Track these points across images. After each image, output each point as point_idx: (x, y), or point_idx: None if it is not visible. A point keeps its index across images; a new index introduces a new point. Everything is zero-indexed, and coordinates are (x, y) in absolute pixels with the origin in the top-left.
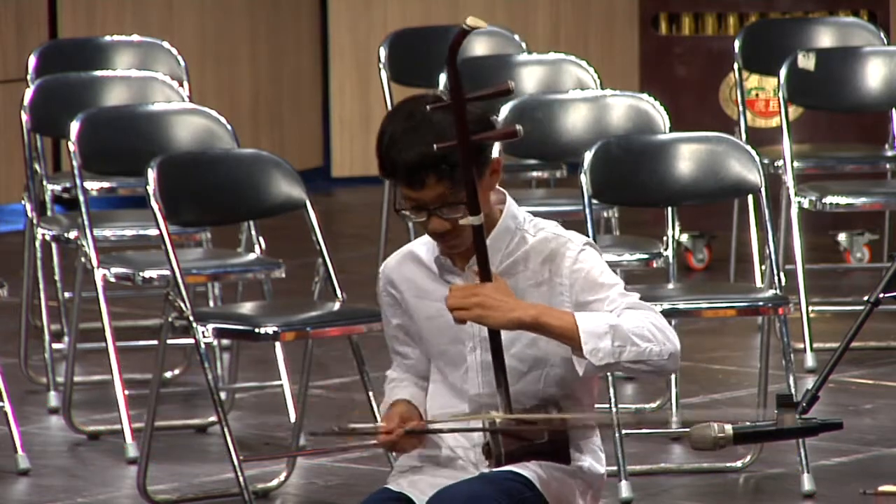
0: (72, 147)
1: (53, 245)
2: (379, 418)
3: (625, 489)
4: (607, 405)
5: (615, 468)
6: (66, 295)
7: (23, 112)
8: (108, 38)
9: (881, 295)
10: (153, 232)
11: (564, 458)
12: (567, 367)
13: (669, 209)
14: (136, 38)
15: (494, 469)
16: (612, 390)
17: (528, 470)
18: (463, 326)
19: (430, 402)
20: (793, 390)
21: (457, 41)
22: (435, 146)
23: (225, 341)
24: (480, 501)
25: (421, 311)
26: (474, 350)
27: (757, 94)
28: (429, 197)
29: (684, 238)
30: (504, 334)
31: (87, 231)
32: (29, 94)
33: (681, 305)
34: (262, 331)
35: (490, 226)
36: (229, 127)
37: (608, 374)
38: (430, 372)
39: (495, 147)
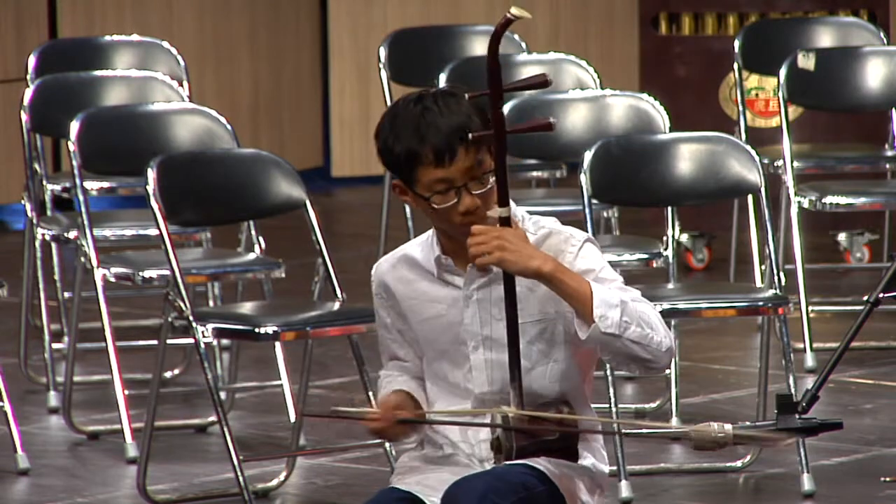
0: (72, 147)
1: (53, 245)
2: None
3: (625, 489)
4: (607, 405)
5: (615, 468)
6: (66, 295)
7: (22, 112)
8: (107, 37)
9: (881, 295)
10: (153, 232)
11: (573, 456)
12: (568, 361)
13: (669, 209)
14: (135, 38)
15: (506, 463)
16: (611, 390)
17: (540, 464)
18: (464, 326)
19: (433, 406)
20: (793, 390)
21: (500, 29)
22: (470, 135)
23: (225, 341)
24: (499, 493)
25: (418, 314)
26: (477, 349)
27: (757, 94)
28: (458, 171)
29: (684, 238)
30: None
31: (87, 231)
32: (29, 93)
33: (681, 305)
34: (262, 331)
35: None
36: (229, 127)
37: (607, 375)
38: (424, 374)
39: None
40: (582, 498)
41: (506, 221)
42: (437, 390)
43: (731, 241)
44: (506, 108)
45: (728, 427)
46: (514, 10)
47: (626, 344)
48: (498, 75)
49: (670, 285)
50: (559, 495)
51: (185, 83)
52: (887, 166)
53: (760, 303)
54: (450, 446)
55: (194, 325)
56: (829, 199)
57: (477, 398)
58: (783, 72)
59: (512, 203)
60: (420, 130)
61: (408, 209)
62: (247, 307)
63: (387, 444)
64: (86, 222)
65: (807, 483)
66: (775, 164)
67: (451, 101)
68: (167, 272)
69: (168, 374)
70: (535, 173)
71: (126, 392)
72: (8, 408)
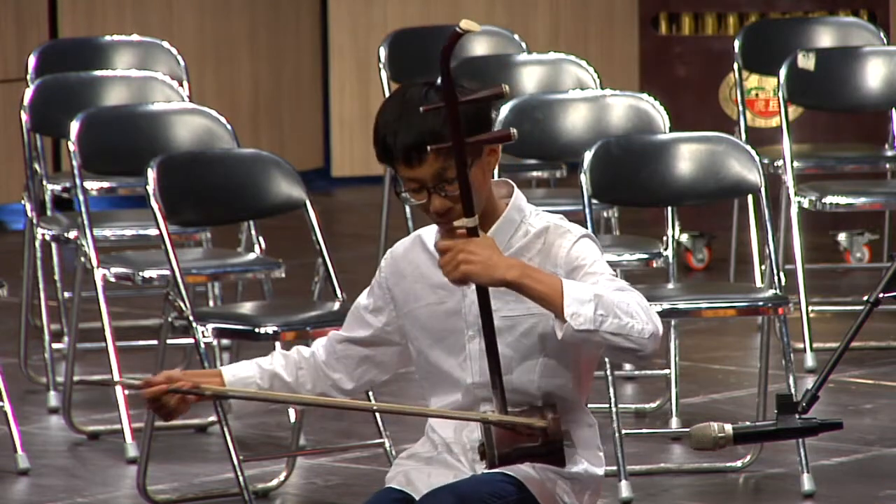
0: (72, 147)
1: (53, 245)
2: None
3: (625, 489)
4: (607, 405)
5: (615, 468)
6: (66, 295)
7: (23, 112)
8: (107, 37)
9: (881, 295)
10: (153, 232)
11: (559, 461)
12: (559, 358)
13: (669, 209)
14: (135, 38)
15: (485, 471)
16: (611, 390)
17: (520, 471)
18: (462, 314)
19: (426, 402)
20: (793, 390)
21: (450, 44)
22: (429, 148)
23: (225, 341)
24: (469, 503)
25: (423, 298)
26: (474, 338)
27: (757, 94)
28: (427, 174)
29: (684, 238)
30: (500, 322)
31: (87, 231)
32: (29, 93)
33: (681, 305)
34: (262, 330)
35: (493, 217)
36: (229, 127)
37: (607, 375)
38: (347, 369)
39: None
40: (566, 501)
41: (473, 232)
42: (428, 385)
43: (731, 241)
44: (505, 109)
45: (728, 427)
46: (463, 24)
47: (605, 337)
48: (453, 89)
49: (670, 285)
50: (535, 502)
51: (185, 83)
52: (887, 166)
53: (760, 303)
54: (444, 447)
55: (194, 325)
56: (829, 199)
57: (468, 389)
58: (783, 72)
59: (521, 196)
60: (393, 127)
61: (408, 209)
62: (247, 307)
63: (386, 444)
64: (86, 222)
65: (807, 483)
66: (775, 164)
67: (436, 100)
68: (167, 272)
69: None
70: (535, 173)
71: (126, 392)
72: (8, 408)
